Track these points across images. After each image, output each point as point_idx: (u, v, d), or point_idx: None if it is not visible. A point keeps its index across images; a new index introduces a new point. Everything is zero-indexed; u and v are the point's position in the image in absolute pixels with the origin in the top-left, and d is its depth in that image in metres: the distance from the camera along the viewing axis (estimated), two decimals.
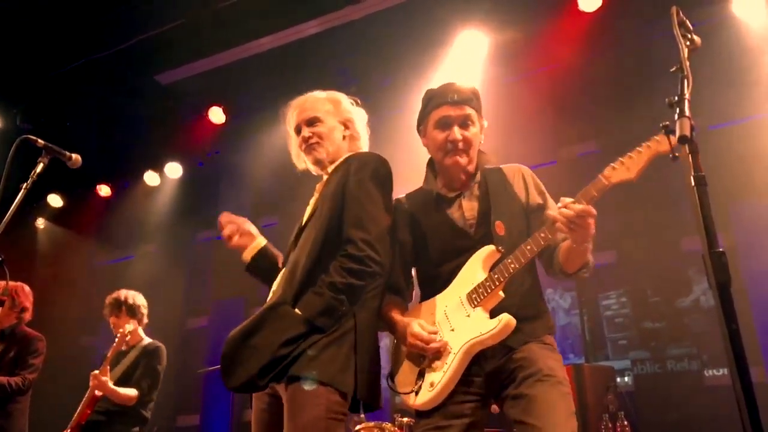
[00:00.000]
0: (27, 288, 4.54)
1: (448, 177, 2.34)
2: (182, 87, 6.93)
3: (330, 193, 2.17)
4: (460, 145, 2.26)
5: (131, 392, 4.02)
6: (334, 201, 2.14)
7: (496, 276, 2.10)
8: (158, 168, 7.71)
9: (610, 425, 4.00)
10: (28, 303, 4.50)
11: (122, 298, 4.31)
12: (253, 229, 2.42)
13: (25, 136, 2.42)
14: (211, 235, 8.26)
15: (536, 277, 2.30)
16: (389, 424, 4.28)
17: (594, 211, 1.95)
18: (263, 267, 2.38)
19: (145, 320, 4.41)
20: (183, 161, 7.70)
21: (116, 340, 4.01)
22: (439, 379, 2.10)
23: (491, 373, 2.14)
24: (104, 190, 8.09)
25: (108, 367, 3.94)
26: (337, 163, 2.31)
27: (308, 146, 2.35)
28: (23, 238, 8.35)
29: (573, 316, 5.67)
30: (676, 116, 1.31)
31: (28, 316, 4.48)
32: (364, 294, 2.10)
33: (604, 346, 5.50)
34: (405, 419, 4.27)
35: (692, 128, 1.29)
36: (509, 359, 2.12)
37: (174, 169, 7.69)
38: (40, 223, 8.77)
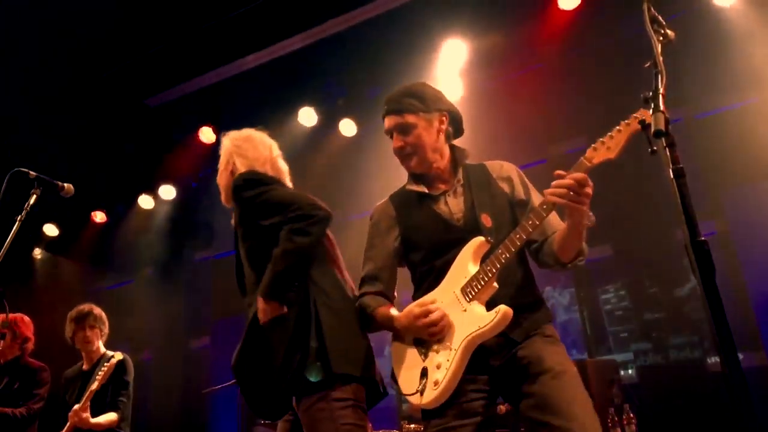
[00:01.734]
0: (27, 318, 4.54)
1: (424, 180, 2.40)
2: (171, 109, 6.98)
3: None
4: (405, 150, 2.34)
5: (112, 416, 3.96)
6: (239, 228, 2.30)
7: (488, 267, 2.11)
8: (152, 191, 7.74)
9: (616, 418, 4.02)
10: (30, 333, 4.50)
11: (92, 309, 4.25)
12: None
13: (17, 168, 2.45)
14: (209, 254, 8.28)
15: (528, 268, 2.32)
16: None
17: (590, 182, 1.96)
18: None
19: (105, 336, 4.34)
20: (176, 183, 7.72)
21: (102, 371, 3.91)
22: (442, 376, 2.11)
23: (498, 369, 2.15)
24: (99, 216, 8.10)
25: (89, 403, 3.84)
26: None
27: None
28: (21, 270, 8.35)
29: (573, 312, 5.70)
30: (650, 111, 1.34)
31: (30, 346, 4.48)
32: (314, 269, 2.23)
33: (606, 340, 5.52)
34: (412, 426, 4.28)
35: (667, 122, 1.32)
36: (515, 356, 2.13)
37: (168, 191, 7.71)
38: (37, 253, 8.78)
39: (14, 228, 2.35)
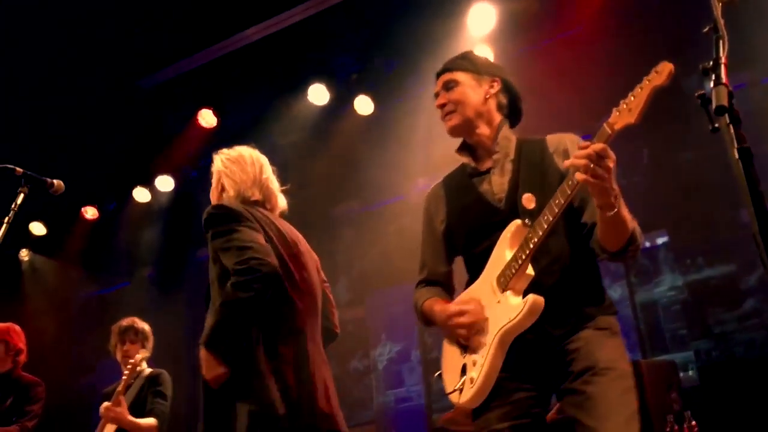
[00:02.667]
0: (18, 328, 4.63)
1: (472, 153, 2.45)
2: (166, 91, 7.03)
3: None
4: (446, 107, 2.41)
5: (151, 421, 4.08)
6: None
7: (519, 254, 2.13)
8: (148, 183, 7.80)
9: (676, 427, 4.01)
10: (22, 344, 4.59)
11: (134, 323, 4.40)
12: None
13: (2, 165, 2.50)
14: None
15: (580, 252, 2.23)
16: None
17: (612, 154, 1.93)
18: None
19: (149, 353, 4.48)
20: (174, 173, 7.79)
21: (128, 369, 4.05)
22: (477, 374, 2.15)
23: (542, 365, 2.17)
24: (90, 213, 8.19)
25: (123, 398, 3.99)
26: None
27: None
28: (6, 273, 8.50)
29: (624, 308, 5.68)
30: (711, 84, 1.33)
31: (23, 358, 4.57)
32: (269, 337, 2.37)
33: (662, 339, 5.50)
34: None
35: (731, 96, 1.31)
36: (561, 350, 2.15)
37: (165, 182, 7.78)
38: (24, 254, 8.91)
39: (1, 231, 2.40)
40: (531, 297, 2.09)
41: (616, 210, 1.98)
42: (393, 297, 7.20)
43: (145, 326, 4.43)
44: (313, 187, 7.86)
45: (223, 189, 2.73)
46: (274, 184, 2.83)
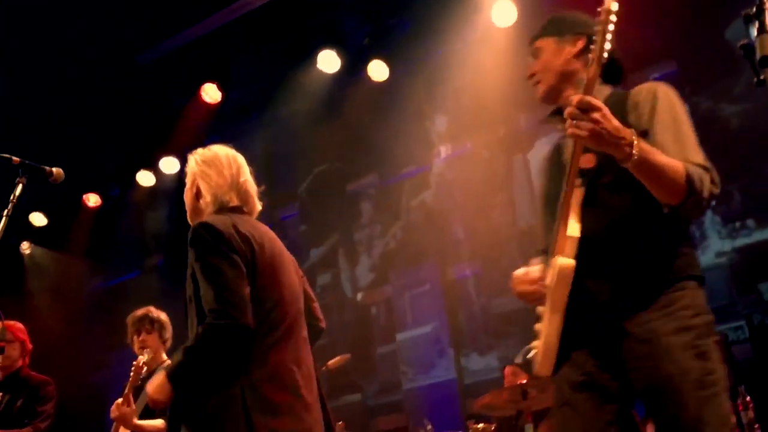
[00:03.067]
0: (20, 325, 4.72)
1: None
2: (166, 65, 7.04)
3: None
4: (533, 78, 2.47)
5: (158, 423, 4.12)
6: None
7: (560, 214, 2.16)
8: (151, 165, 7.85)
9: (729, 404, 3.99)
10: (27, 342, 4.69)
11: (149, 312, 4.43)
12: None
13: None
14: None
15: (644, 203, 2.12)
16: None
17: (598, 104, 1.95)
18: None
19: (169, 342, 4.51)
20: (179, 153, 7.82)
21: (132, 371, 4.10)
22: (540, 342, 2.23)
23: (600, 343, 2.16)
24: (92, 200, 8.27)
25: (131, 397, 4.03)
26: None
27: None
28: (7, 267, 8.63)
29: None
30: (754, 33, 1.31)
31: (27, 359, 4.67)
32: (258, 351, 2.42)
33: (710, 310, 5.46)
34: (480, 425, 4.34)
35: None
36: (623, 346, 2.11)
37: (170, 164, 7.81)
38: (25, 247, 9.03)
39: (1, 225, 2.44)
40: (555, 261, 2.12)
41: (635, 158, 1.96)
42: (419, 276, 7.22)
43: (162, 315, 4.45)
44: (327, 162, 7.88)
45: (198, 193, 2.75)
46: (252, 187, 2.83)
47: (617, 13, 1.98)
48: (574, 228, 2.13)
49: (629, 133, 1.96)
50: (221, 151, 2.82)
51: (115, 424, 4.08)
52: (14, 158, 2.58)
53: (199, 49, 6.83)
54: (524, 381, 4.57)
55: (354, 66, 6.75)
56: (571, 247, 2.12)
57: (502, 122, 6.90)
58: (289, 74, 6.94)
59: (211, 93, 7.06)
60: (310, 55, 6.64)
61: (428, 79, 6.88)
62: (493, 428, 4.50)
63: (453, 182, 7.19)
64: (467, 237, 7.05)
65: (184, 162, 8.43)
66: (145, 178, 7.94)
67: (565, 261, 2.09)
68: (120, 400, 4.02)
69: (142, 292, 8.43)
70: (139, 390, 4.28)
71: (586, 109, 1.93)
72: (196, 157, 2.80)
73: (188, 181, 2.82)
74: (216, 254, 2.48)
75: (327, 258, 7.79)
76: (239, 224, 2.60)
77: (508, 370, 5.40)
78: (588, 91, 1.99)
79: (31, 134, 6.73)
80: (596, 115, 1.93)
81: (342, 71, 6.73)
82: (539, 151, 6.71)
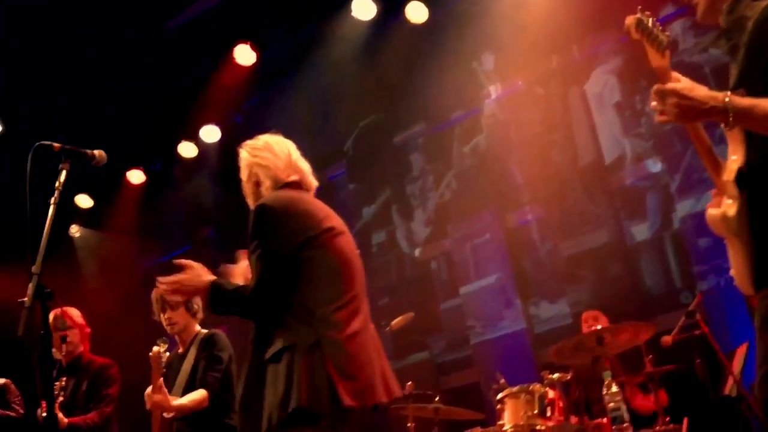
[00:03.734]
0: (77, 311, 4.90)
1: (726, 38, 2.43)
2: (196, 30, 7.07)
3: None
4: (692, 2, 2.41)
5: (196, 395, 4.22)
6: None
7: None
8: (192, 135, 7.98)
9: None
10: (85, 326, 4.88)
11: None
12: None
13: (39, 142, 2.62)
14: None
15: None
16: (538, 385, 4.41)
17: (674, 88, 2.07)
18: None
19: (200, 314, 4.56)
20: (219, 121, 7.92)
21: (152, 362, 4.16)
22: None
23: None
24: (135, 177, 8.45)
25: (159, 382, 4.09)
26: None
27: None
28: (60, 254, 8.92)
29: None
30: None
31: (88, 340, 4.87)
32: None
33: None
34: (555, 375, 4.37)
35: None
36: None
37: (210, 133, 7.93)
38: (74, 230, 9.31)
39: (50, 214, 2.54)
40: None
41: (731, 121, 2.02)
42: (478, 226, 7.22)
43: None
44: (371, 115, 7.88)
45: (258, 182, 3.00)
46: (305, 165, 3.09)
47: None
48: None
49: (719, 98, 2.03)
50: (269, 137, 3.11)
51: (153, 413, 4.20)
52: (55, 144, 2.66)
53: (228, 10, 6.84)
54: (601, 326, 4.59)
55: (390, 10, 6.69)
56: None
57: (553, 55, 6.78)
58: (323, 26, 6.92)
59: (244, 55, 7.07)
60: (344, 4, 6.60)
61: (470, 15, 6.76)
62: (569, 377, 4.53)
63: (506, 123, 7.12)
64: (526, 180, 7.00)
65: (224, 129, 8.54)
66: (186, 150, 8.08)
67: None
68: (149, 390, 4.12)
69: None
70: (177, 367, 4.40)
71: (663, 97, 2.07)
72: (246, 149, 3.07)
73: (244, 174, 3.07)
74: (268, 237, 2.75)
75: (380, 215, 7.84)
76: (300, 200, 2.86)
77: (587, 314, 5.40)
78: (663, 78, 2.13)
79: (64, 116, 6.87)
80: (672, 101, 2.05)
81: (378, 17, 6.68)
82: (596, 83, 6.59)
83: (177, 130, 8.04)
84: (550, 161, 6.82)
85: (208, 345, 4.35)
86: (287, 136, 8.35)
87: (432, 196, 7.57)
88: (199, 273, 2.82)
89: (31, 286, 2.43)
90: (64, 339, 4.33)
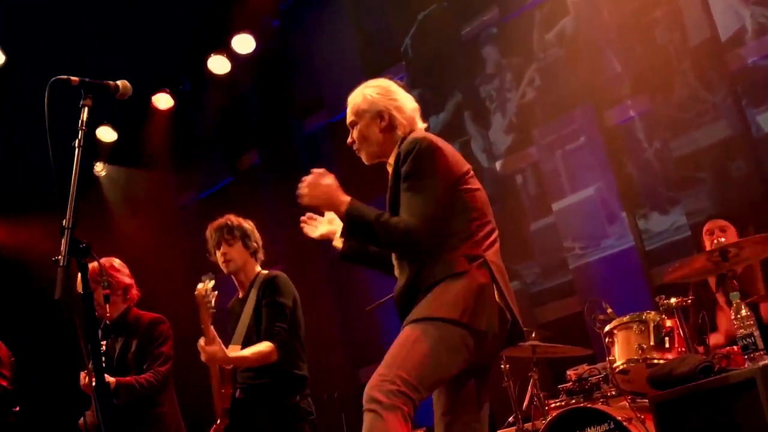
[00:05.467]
0: (118, 261, 5.07)
1: None
2: None
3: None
4: None
5: (263, 347, 4.38)
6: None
7: None
8: (222, 47, 8.02)
9: None
10: (128, 279, 5.04)
11: (228, 221, 4.65)
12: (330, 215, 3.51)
13: (55, 77, 2.70)
14: (323, 118, 8.59)
15: None
16: (653, 313, 4.43)
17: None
18: (360, 250, 3.51)
19: (261, 254, 4.72)
20: (252, 27, 7.93)
21: (202, 305, 4.30)
22: None
23: None
24: (163, 101, 8.57)
25: (211, 331, 4.27)
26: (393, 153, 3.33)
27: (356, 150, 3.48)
28: (86, 197, 9.19)
29: None
30: None
31: (135, 293, 5.03)
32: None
33: None
34: (672, 300, 4.39)
35: None
36: None
37: (244, 43, 7.98)
38: (99, 168, 9.56)
39: (76, 159, 2.64)
40: None
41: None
42: (570, 128, 7.15)
43: (243, 222, 4.66)
44: (431, 5, 7.80)
45: (391, 125, 3.35)
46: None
47: None
48: None
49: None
50: (387, 81, 3.46)
51: (210, 366, 4.38)
52: (72, 78, 2.74)
53: None
54: (728, 239, 4.54)
55: None
56: None
57: None
58: None
59: None
60: None
61: None
62: (689, 301, 4.54)
63: (598, 1, 6.97)
64: (626, 68, 6.88)
65: (259, 37, 8.58)
66: (218, 64, 8.15)
67: None
68: (202, 340, 4.29)
69: (240, 200, 8.80)
70: (237, 313, 4.56)
71: None
72: (369, 90, 3.40)
73: (367, 116, 3.38)
74: (433, 170, 3.15)
75: (451, 125, 7.81)
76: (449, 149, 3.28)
77: (711, 224, 5.30)
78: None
79: (76, 42, 6.97)
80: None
81: None
82: None
83: (205, 42, 8.09)
84: (653, 43, 6.67)
85: (270, 289, 4.52)
86: (333, 37, 8.43)
87: (512, 96, 7.52)
88: (335, 184, 3.19)
89: (63, 242, 2.54)
90: (107, 298, 4.49)
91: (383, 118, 3.33)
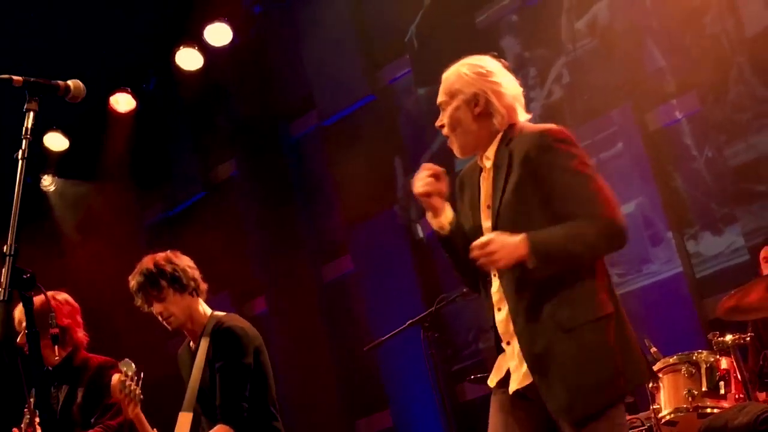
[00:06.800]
0: (63, 295, 5.02)
1: None
2: None
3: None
4: None
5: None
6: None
7: None
8: (193, 39, 8.02)
9: None
10: (76, 315, 4.99)
11: (148, 271, 4.43)
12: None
13: None
14: (313, 121, 8.58)
15: None
16: (705, 352, 4.42)
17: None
18: (458, 244, 3.37)
19: (203, 285, 4.52)
20: (229, 15, 7.93)
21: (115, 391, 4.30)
22: None
23: None
24: (123, 102, 8.52)
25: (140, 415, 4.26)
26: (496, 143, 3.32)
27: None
28: (32, 217, 9.13)
29: None
30: None
31: (81, 336, 4.98)
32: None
33: None
34: (728, 338, 4.38)
35: None
36: None
37: (219, 33, 7.97)
38: (47, 182, 9.50)
39: (19, 172, 2.62)
40: None
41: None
42: (605, 132, 7.16)
43: (163, 261, 4.41)
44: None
45: (486, 111, 3.28)
46: None
47: None
48: None
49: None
50: (492, 60, 3.41)
51: None
52: (15, 78, 2.72)
53: None
54: None
55: None
56: None
57: None
58: None
59: None
60: None
61: None
62: (748, 338, 4.53)
63: None
64: (671, 63, 6.90)
65: (238, 25, 8.57)
66: (187, 59, 8.14)
67: None
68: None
69: (214, 217, 8.79)
70: (189, 362, 4.51)
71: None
72: (468, 69, 3.34)
73: (460, 97, 3.33)
74: (589, 163, 3.22)
75: None
76: None
77: (764, 251, 5.33)
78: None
79: (18, 35, 6.97)
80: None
81: None
82: None
83: (172, 32, 8.09)
84: (704, 33, 6.70)
85: (223, 347, 4.36)
86: (325, 26, 8.42)
87: (536, 95, 7.53)
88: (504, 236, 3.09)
89: (4, 272, 2.52)
90: (55, 339, 4.47)
91: (478, 103, 3.28)
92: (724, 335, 4.44)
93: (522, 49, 7.63)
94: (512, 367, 3.15)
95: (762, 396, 4.49)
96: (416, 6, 7.98)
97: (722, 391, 4.35)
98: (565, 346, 3.02)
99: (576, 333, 3.02)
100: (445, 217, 3.33)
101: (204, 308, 4.51)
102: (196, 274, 4.50)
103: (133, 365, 4.27)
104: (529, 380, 3.07)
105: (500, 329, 3.19)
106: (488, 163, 3.26)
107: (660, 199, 6.93)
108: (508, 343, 3.16)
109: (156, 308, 4.41)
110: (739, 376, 4.39)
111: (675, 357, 4.51)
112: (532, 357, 3.05)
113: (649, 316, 6.80)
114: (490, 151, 3.26)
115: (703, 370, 4.37)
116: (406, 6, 7.96)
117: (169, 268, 4.41)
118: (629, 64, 7.05)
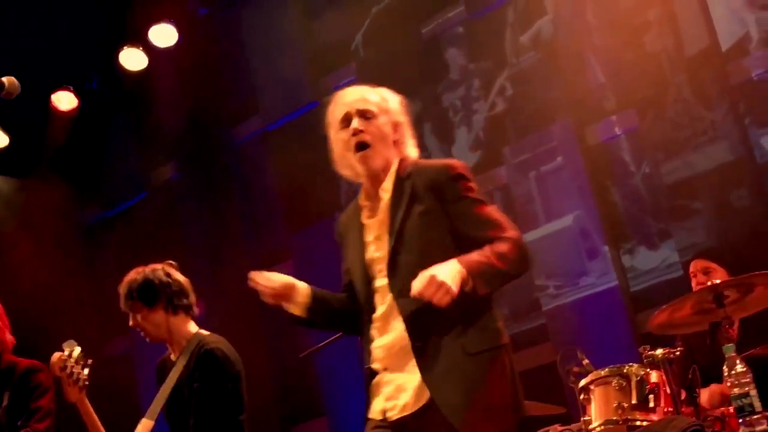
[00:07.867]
0: None
1: None
2: None
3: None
4: None
5: None
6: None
7: None
8: (138, 39, 7.98)
9: None
10: (3, 318, 4.92)
11: (130, 283, 4.38)
12: (284, 277, 3.51)
13: None
14: (257, 126, 8.55)
15: None
16: (635, 366, 4.47)
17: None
18: (323, 314, 3.56)
19: (185, 300, 4.47)
20: (175, 16, 7.90)
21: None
22: None
23: None
24: (64, 101, 8.44)
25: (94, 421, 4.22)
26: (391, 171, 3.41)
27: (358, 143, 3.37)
28: None
29: None
30: None
31: (8, 337, 4.88)
32: None
33: None
34: (659, 351, 4.42)
35: None
36: None
37: (164, 34, 7.94)
38: None
39: None
40: None
41: None
42: (546, 147, 7.19)
43: (147, 272, 4.40)
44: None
45: (399, 141, 3.43)
46: None
47: None
48: None
49: None
50: None
51: None
52: None
53: None
54: (718, 280, 4.58)
55: None
56: None
57: None
58: None
59: None
60: None
61: None
62: (677, 352, 4.56)
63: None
64: (611, 78, 6.96)
65: (184, 26, 8.52)
66: (131, 59, 8.12)
67: None
68: None
69: (153, 220, 8.72)
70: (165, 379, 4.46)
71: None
72: (394, 98, 3.48)
73: (391, 116, 3.43)
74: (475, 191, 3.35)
75: None
76: None
77: (694, 265, 5.35)
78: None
79: None
80: None
81: None
82: None
83: (117, 32, 8.04)
84: (643, 50, 6.76)
85: (205, 369, 4.31)
86: (272, 30, 8.40)
87: (480, 107, 7.55)
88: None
89: None
90: None
91: (397, 130, 3.42)
92: (654, 349, 4.47)
93: (467, 61, 7.65)
94: (390, 392, 3.16)
95: (690, 410, 4.53)
96: (363, 15, 7.98)
97: (651, 404, 4.36)
98: (471, 366, 3.05)
99: (480, 358, 3.07)
100: (302, 299, 3.48)
101: (187, 325, 4.49)
102: (180, 286, 4.52)
103: (78, 348, 4.21)
104: (419, 404, 3.06)
105: (380, 354, 3.20)
106: (386, 195, 3.32)
107: (597, 213, 6.99)
108: (386, 369, 3.19)
109: (132, 322, 4.43)
110: (668, 390, 4.42)
111: (606, 369, 4.51)
112: (431, 375, 3.04)
113: (584, 328, 6.86)
114: (388, 183, 3.32)
115: (633, 384, 4.38)
116: (353, 14, 7.97)
117: (153, 277, 4.45)
118: (571, 79, 7.11)
